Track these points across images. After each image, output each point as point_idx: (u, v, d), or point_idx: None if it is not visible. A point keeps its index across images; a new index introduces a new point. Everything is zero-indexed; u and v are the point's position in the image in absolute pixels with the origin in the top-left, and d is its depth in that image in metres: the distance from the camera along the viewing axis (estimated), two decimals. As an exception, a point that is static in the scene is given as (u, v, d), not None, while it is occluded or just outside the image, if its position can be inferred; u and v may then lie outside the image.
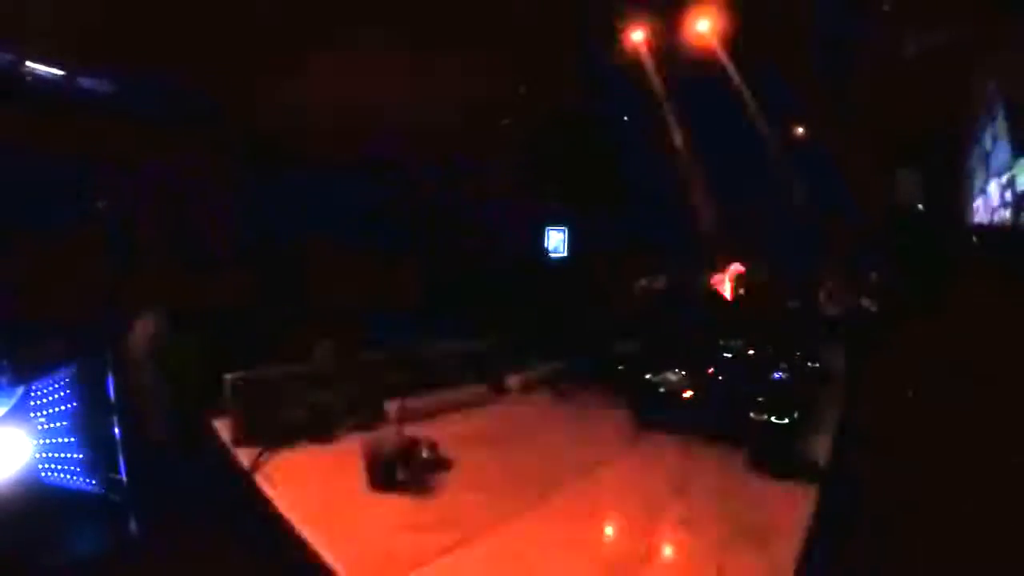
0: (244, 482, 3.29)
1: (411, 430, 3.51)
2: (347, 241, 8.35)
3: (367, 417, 4.19)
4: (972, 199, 7.90)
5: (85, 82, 6.60)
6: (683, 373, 4.69)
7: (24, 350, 3.62)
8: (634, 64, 9.34)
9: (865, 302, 7.49)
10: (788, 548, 2.64)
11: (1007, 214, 6.72)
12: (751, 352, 5.08)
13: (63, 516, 3.24)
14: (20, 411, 3.21)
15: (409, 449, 3.30)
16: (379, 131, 9.63)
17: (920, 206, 8.65)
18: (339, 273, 7.89)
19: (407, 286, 8.21)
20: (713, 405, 4.23)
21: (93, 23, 5.83)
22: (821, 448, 3.75)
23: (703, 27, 8.70)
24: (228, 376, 3.91)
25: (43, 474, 3.24)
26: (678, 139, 9.64)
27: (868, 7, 7.81)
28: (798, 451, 3.62)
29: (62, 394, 3.36)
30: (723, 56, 8.75)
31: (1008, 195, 6.71)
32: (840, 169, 8.87)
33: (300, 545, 2.68)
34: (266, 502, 3.08)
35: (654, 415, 4.39)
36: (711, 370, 4.73)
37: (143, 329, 5.05)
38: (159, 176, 7.32)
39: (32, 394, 3.30)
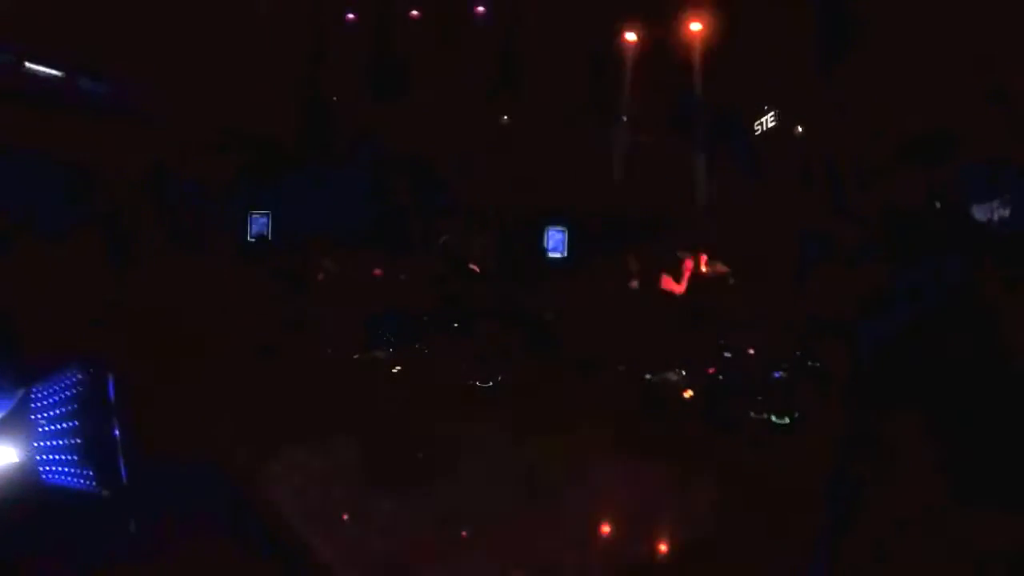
0: (244, 482, 3.29)
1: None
2: (348, 241, 8.36)
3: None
4: (972, 199, 7.87)
5: (85, 82, 6.61)
6: (683, 373, 4.69)
7: (24, 351, 3.61)
8: (632, 63, 9.36)
9: (865, 302, 7.45)
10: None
11: (1007, 213, 6.70)
12: (751, 352, 5.07)
13: (63, 516, 3.24)
14: (21, 412, 3.20)
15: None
16: (380, 131, 9.65)
17: (921, 206, 8.63)
18: (341, 273, 7.89)
19: (409, 286, 8.20)
20: (713, 404, 4.23)
21: (94, 24, 5.85)
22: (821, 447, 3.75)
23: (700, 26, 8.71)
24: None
25: (43, 475, 3.24)
26: (677, 139, 9.63)
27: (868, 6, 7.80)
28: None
29: (62, 396, 3.35)
30: (722, 55, 8.74)
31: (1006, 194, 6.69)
32: (840, 169, 8.85)
33: (300, 545, 2.69)
34: (266, 502, 3.08)
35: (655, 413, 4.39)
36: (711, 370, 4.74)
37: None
38: (159, 176, 7.32)
39: (32, 396, 3.29)
